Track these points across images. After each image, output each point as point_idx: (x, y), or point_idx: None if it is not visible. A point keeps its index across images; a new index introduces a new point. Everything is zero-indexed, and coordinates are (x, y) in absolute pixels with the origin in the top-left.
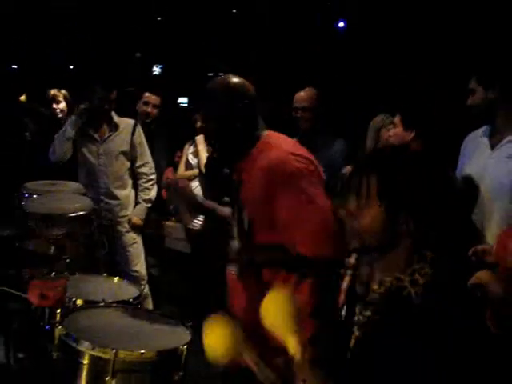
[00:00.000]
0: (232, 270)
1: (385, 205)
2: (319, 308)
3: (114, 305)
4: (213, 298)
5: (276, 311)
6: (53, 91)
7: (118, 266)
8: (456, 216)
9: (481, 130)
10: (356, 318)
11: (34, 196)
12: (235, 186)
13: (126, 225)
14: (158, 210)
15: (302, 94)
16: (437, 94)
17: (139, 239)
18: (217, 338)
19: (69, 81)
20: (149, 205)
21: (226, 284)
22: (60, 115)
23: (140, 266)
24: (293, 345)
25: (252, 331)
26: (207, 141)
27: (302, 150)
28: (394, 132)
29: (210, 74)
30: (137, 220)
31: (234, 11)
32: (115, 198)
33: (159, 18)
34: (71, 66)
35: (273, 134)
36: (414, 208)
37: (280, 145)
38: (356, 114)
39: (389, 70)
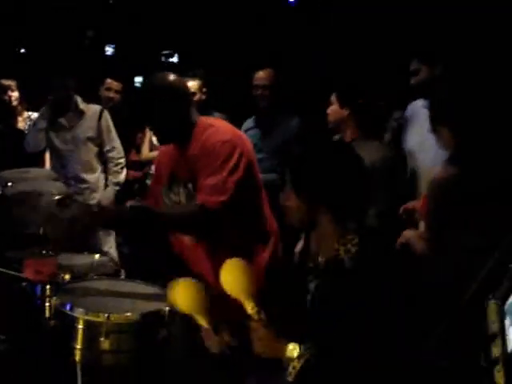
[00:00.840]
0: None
1: (299, 195)
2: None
3: (100, 277)
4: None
5: (233, 278)
6: (6, 81)
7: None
8: (367, 191)
9: (420, 103)
10: (309, 286)
11: (9, 184)
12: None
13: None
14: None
15: (261, 73)
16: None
17: None
18: (181, 297)
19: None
20: (117, 187)
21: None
22: (15, 103)
23: (109, 247)
24: (250, 307)
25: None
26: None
27: (231, 132)
28: (331, 109)
29: (164, 52)
30: (106, 202)
31: None
32: (84, 181)
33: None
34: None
35: (206, 118)
36: (327, 193)
37: (215, 125)
38: (313, 93)
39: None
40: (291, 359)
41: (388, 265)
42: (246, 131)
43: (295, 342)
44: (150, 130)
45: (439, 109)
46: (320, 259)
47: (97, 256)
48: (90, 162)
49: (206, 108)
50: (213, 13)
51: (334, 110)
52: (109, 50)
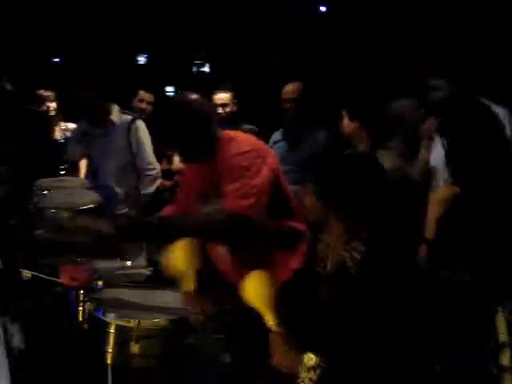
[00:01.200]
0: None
1: (320, 200)
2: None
3: (131, 283)
4: None
5: (256, 290)
6: (44, 92)
7: None
8: (385, 203)
9: None
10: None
11: (45, 192)
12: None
13: None
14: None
15: (289, 86)
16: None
17: None
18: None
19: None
20: (146, 199)
21: None
22: (52, 114)
23: (139, 253)
24: (271, 320)
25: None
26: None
27: (254, 143)
28: (343, 123)
29: (196, 62)
30: (134, 212)
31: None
32: (114, 191)
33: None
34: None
35: (228, 133)
36: (344, 201)
37: (237, 138)
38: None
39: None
40: (307, 370)
41: (392, 272)
42: (274, 143)
43: (310, 352)
44: (175, 148)
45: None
46: (329, 265)
47: (128, 263)
48: (122, 173)
49: (236, 120)
50: (244, 24)
51: (345, 123)
52: (141, 60)
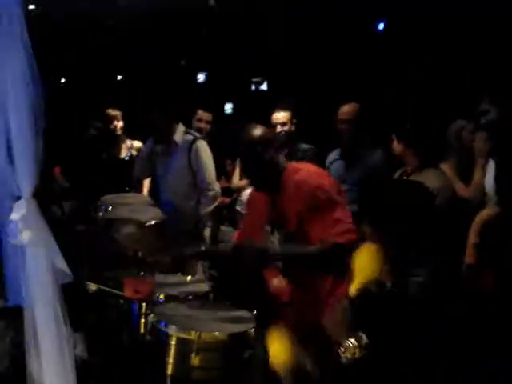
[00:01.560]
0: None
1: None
2: None
3: (191, 298)
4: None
5: (363, 258)
6: (113, 111)
7: None
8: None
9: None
10: None
11: (110, 208)
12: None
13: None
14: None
15: (345, 107)
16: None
17: None
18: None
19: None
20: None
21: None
22: (119, 132)
23: (199, 269)
24: (355, 287)
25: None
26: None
27: (320, 169)
28: (393, 145)
29: (254, 79)
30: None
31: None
32: (177, 209)
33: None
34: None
35: (294, 164)
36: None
37: (304, 169)
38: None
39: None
40: (354, 346)
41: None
42: (331, 163)
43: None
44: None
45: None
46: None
47: (189, 278)
48: (183, 191)
49: (294, 139)
50: (303, 42)
51: (394, 145)
52: (201, 77)
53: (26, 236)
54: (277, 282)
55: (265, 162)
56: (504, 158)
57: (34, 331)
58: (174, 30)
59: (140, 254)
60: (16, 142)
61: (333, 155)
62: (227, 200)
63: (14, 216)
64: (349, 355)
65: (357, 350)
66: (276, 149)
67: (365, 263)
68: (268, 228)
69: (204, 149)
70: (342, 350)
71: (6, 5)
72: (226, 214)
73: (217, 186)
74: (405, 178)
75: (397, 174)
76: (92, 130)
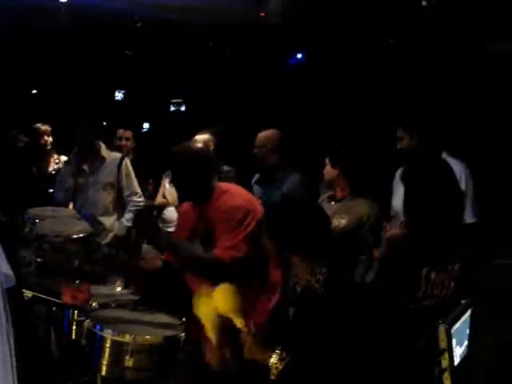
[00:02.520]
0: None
1: (272, 241)
2: None
3: (121, 306)
4: None
5: (224, 299)
6: (43, 126)
7: None
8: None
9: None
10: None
11: (37, 220)
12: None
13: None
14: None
15: (262, 133)
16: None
17: None
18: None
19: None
20: (129, 224)
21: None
22: (49, 147)
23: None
24: (239, 322)
25: None
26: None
27: (244, 199)
28: (326, 170)
29: (174, 100)
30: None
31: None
32: (100, 223)
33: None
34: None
35: (223, 185)
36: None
37: (230, 191)
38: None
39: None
40: (274, 362)
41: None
42: (253, 185)
43: (277, 349)
44: (176, 189)
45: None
46: (298, 289)
47: (118, 289)
48: (107, 206)
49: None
50: (220, 67)
51: (327, 170)
52: (118, 96)
53: None
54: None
55: (201, 173)
56: (410, 185)
57: None
58: (93, 46)
59: (73, 264)
60: None
61: (254, 178)
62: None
63: None
64: (274, 372)
65: (279, 364)
66: (213, 165)
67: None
68: (189, 234)
69: (129, 164)
70: (270, 369)
71: None
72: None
73: (142, 197)
74: (333, 203)
75: (323, 198)
76: (19, 143)
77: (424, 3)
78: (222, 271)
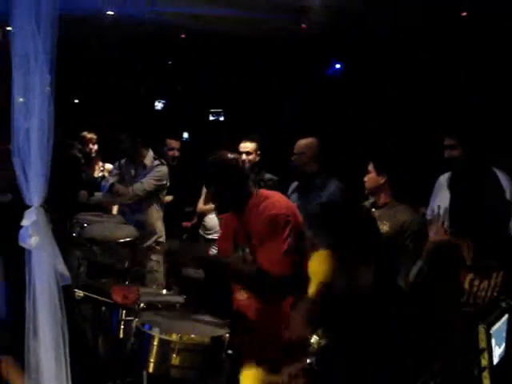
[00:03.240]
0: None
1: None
2: None
3: (169, 307)
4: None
5: (318, 264)
6: (89, 134)
7: None
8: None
9: (446, 176)
10: None
11: (85, 225)
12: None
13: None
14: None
15: (301, 141)
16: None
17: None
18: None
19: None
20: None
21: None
22: (93, 155)
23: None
24: (312, 289)
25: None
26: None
27: (284, 206)
28: (369, 177)
29: (213, 110)
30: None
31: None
32: (143, 226)
33: (170, 62)
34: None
35: (264, 191)
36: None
37: (271, 197)
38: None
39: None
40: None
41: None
42: (291, 194)
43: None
44: (212, 198)
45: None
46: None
47: (164, 291)
48: (148, 211)
49: (258, 169)
50: (260, 77)
51: (371, 177)
52: (158, 105)
53: (34, 241)
54: (239, 295)
55: (234, 183)
56: (458, 193)
57: (35, 328)
58: (138, 58)
59: (122, 266)
60: (30, 157)
61: (291, 187)
62: (188, 224)
63: (25, 222)
64: (313, 349)
65: (320, 342)
66: (244, 173)
67: (317, 268)
68: (234, 244)
69: (160, 170)
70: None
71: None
72: (186, 238)
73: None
74: (374, 209)
75: (366, 204)
76: (75, 150)
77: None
78: (267, 283)
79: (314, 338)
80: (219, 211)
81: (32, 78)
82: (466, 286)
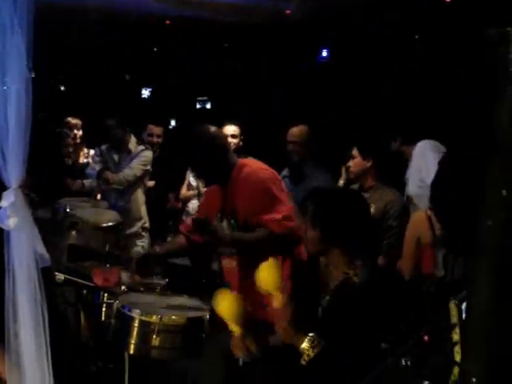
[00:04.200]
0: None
1: (318, 228)
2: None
3: (149, 290)
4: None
5: (267, 275)
6: (73, 120)
7: None
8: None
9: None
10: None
11: (68, 210)
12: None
13: None
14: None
15: (294, 129)
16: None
17: None
18: (224, 309)
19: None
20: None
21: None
22: (78, 141)
23: None
24: (278, 298)
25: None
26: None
27: (263, 165)
28: (354, 162)
29: (199, 98)
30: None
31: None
32: (127, 212)
33: (155, 49)
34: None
35: (244, 160)
36: (342, 231)
37: (249, 164)
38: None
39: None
40: (306, 348)
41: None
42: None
43: (309, 335)
44: (195, 174)
45: None
46: (332, 281)
47: None
48: (133, 196)
49: (241, 154)
50: (246, 64)
51: (356, 162)
52: (145, 93)
53: (12, 222)
54: (226, 262)
55: (216, 155)
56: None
57: (14, 309)
58: (124, 44)
59: (103, 249)
60: (7, 139)
61: (283, 172)
62: (179, 205)
63: (3, 203)
64: (306, 358)
65: (310, 352)
66: (226, 145)
67: (270, 277)
68: (218, 215)
69: (145, 155)
70: (302, 354)
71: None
72: (172, 224)
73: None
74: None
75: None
76: (63, 136)
77: None
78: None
79: (305, 346)
80: (206, 184)
81: (8, 61)
82: (441, 260)
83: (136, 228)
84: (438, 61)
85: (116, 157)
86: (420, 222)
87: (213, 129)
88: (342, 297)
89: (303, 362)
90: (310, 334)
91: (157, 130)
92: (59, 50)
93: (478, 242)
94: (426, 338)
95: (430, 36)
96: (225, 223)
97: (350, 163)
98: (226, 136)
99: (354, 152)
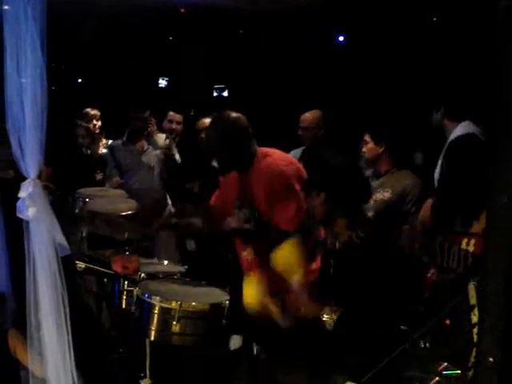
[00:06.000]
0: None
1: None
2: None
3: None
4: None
5: (285, 257)
6: (92, 111)
7: None
8: None
9: None
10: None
11: (87, 200)
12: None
13: None
14: None
15: (307, 115)
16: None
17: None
18: (251, 294)
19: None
20: None
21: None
22: (97, 131)
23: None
24: (296, 280)
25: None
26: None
27: (287, 156)
28: (367, 148)
29: (216, 86)
30: None
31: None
32: (149, 199)
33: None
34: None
35: (263, 149)
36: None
37: (272, 155)
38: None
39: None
40: (328, 315)
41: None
42: None
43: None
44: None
45: None
46: (337, 245)
47: (165, 262)
48: (155, 183)
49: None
50: (263, 52)
51: (369, 148)
52: (162, 83)
53: (31, 212)
54: (246, 253)
55: (238, 140)
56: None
57: (35, 299)
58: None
59: (122, 236)
60: (24, 130)
61: (295, 152)
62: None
63: (22, 194)
64: (330, 322)
65: (333, 315)
66: (249, 131)
67: (287, 259)
68: (237, 203)
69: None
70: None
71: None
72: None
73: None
74: (378, 179)
75: (368, 174)
76: (80, 128)
77: None
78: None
79: (326, 317)
80: (221, 172)
81: (22, 51)
82: (437, 247)
83: (165, 216)
84: (456, 43)
85: (137, 146)
86: None
87: (234, 114)
88: (346, 257)
89: (329, 328)
90: (329, 303)
91: (177, 117)
92: (74, 41)
93: (492, 218)
94: (447, 321)
95: (447, 18)
96: (243, 211)
97: (364, 149)
98: (248, 123)
99: (366, 137)
